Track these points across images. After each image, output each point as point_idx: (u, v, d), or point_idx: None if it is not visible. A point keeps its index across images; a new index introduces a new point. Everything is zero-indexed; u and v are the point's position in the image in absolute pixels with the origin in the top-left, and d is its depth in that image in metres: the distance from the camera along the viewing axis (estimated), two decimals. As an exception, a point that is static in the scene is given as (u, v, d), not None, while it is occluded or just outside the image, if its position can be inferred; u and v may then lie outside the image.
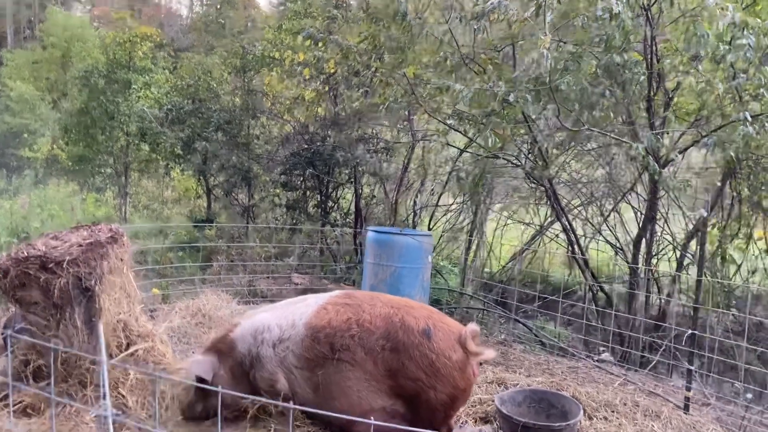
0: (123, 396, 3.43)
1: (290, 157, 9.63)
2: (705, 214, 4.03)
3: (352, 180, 9.07)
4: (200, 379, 3.25)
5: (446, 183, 8.71)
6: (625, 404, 4.36)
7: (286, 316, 3.29)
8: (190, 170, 10.24)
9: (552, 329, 7.72)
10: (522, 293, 8.59)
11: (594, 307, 7.02)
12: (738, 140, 4.10)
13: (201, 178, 10.05)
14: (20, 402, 3.18)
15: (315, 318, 3.21)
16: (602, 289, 6.80)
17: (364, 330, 3.11)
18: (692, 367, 4.11)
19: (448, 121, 7.07)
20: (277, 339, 3.23)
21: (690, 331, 4.05)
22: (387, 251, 5.88)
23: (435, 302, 7.82)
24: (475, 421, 4.02)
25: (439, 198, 9.15)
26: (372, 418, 3.14)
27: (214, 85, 9.69)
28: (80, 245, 3.29)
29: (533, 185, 7.35)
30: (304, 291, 8.08)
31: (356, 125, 8.64)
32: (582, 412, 3.91)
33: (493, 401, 4.17)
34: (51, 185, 17.20)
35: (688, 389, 4.12)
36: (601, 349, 6.68)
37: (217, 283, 6.65)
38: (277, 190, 9.83)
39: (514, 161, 6.74)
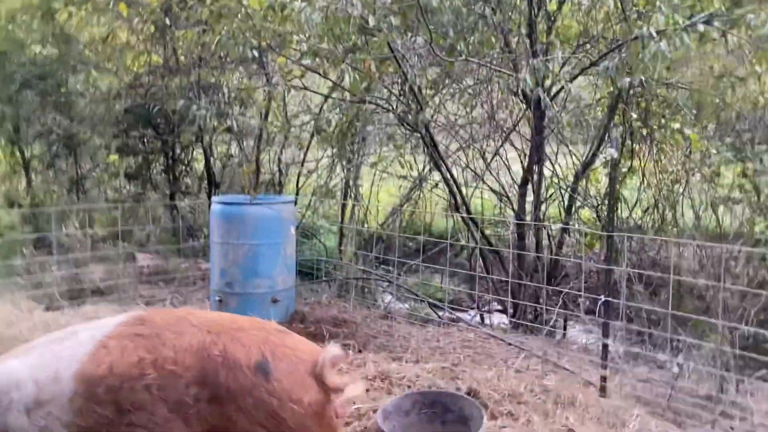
0: None
1: (124, 115, 8.12)
2: (615, 155, 3.28)
3: (200, 139, 7.75)
4: None
5: (312, 135, 7.62)
6: (532, 391, 3.62)
7: (46, 365, 2.13)
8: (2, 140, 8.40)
9: (437, 284, 7.04)
10: (405, 248, 7.83)
11: (480, 262, 6.35)
12: (646, 60, 3.35)
13: (15, 149, 8.28)
14: None
15: (89, 363, 2.08)
16: (488, 242, 6.10)
17: (166, 374, 2.02)
18: (608, 341, 3.42)
19: (304, 61, 5.95)
20: (32, 401, 2.08)
21: (603, 298, 3.33)
22: (237, 226, 4.76)
23: (308, 274, 6.87)
24: (353, 447, 3.11)
25: (305, 153, 8.05)
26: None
27: (18, 33, 7.86)
28: None
29: (408, 132, 6.44)
30: (153, 274, 6.81)
31: (197, 72, 7.28)
32: (485, 416, 3.11)
33: (375, 410, 3.29)
34: None
35: (604, 367, 3.44)
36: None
37: (26, 285, 5.24)
38: (113, 157, 8.28)
39: (384, 105, 5.77)
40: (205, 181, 8.41)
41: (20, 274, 5.35)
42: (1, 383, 2.12)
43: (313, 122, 6.22)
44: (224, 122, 7.77)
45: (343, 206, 7.91)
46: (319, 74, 5.93)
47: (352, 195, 8.03)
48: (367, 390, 3.75)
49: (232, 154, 8.67)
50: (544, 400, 3.52)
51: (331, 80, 5.93)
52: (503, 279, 5.53)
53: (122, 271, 6.59)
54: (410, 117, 5.48)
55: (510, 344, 4.69)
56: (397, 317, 5.52)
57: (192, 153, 8.81)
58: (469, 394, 3.55)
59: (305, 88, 6.09)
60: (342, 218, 7.94)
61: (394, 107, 5.66)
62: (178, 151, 8.49)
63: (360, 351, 4.49)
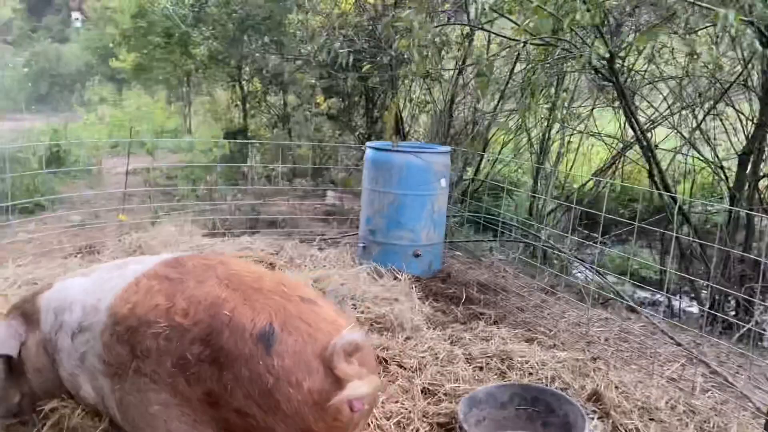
0: None
1: (332, 56, 8.33)
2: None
3: (392, 83, 7.65)
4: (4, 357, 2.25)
5: (505, 85, 7.07)
6: (674, 407, 2.95)
7: (96, 291, 2.15)
8: (223, 76, 9.23)
9: (644, 260, 6.21)
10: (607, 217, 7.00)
11: (688, 240, 5.40)
12: None
13: (235, 85, 9.03)
14: None
15: (120, 299, 2.04)
16: (687, 220, 5.14)
17: (174, 326, 1.90)
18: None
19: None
20: (77, 326, 2.12)
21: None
22: (384, 174, 4.58)
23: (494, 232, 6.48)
24: (431, 429, 2.80)
25: (499, 103, 7.53)
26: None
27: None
28: None
29: (604, 83, 5.61)
30: (332, 213, 7.00)
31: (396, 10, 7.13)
32: (589, 428, 2.59)
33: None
34: (135, 96, 16.99)
35: (775, 400, 2.64)
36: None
37: (204, 211, 5.68)
38: (319, 98, 8.59)
39: (573, 48, 5.04)
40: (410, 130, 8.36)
41: (204, 200, 5.81)
42: (60, 302, 2.20)
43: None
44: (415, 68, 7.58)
45: (539, 163, 7.31)
46: (502, 15, 5.39)
47: (548, 153, 7.39)
48: (481, 368, 3.39)
49: (428, 100, 8.48)
50: (686, 422, 2.83)
51: (514, 22, 5.35)
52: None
53: (303, 207, 6.89)
54: (600, 63, 4.72)
55: (678, 344, 3.91)
56: (559, 293, 4.94)
57: (389, 98, 8.80)
58: (591, 397, 3.01)
59: (485, 30, 5.58)
60: (535, 178, 7.37)
61: (582, 51, 4.90)
62: (378, 95, 8.53)
63: (495, 323, 4.09)
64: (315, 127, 8.87)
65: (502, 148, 7.69)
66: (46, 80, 22.69)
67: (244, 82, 8.90)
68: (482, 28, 5.89)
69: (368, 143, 4.89)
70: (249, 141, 8.05)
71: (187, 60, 9.83)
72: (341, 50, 5.81)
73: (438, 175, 4.57)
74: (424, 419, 2.85)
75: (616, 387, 3.10)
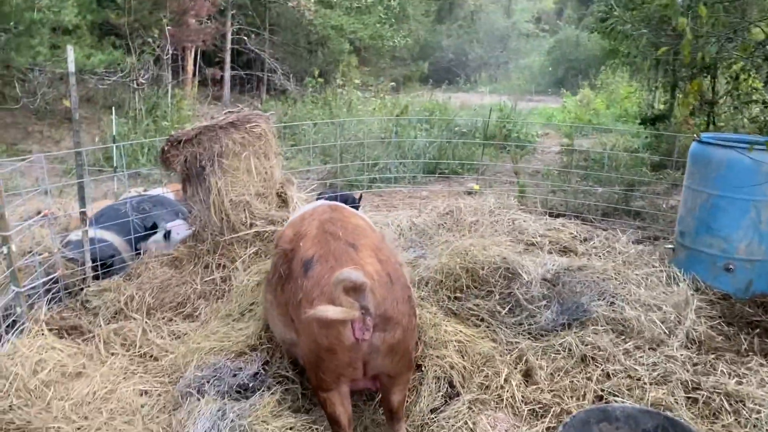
0: (236, 268, 3.82)
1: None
2: None
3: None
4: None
5: None
6: None
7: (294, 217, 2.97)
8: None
9: None
10: None
11: None
12: None
13: (667, 69, 8.44)
14: (168, 255, 3.96)
15: (285, 227, 2.82)
16: None
17: (280, 251, 2.62)
18: None
19: None
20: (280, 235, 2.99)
21: None
22: (701, 169, 3.99)
23: None
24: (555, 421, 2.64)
25: None
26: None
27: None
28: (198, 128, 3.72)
29: None
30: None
31: None
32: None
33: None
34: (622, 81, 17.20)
35: None
36: None
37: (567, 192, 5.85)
38: (757, 83, 7.44)
39: None
40: None
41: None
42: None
43: None
44: None
45: None
46: None
47: None
48: (695, 401, 2.87)
49: None
50: None
51: None
52: None
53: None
54: None
55: None
56: None
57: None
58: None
59: None
60: None
61: None
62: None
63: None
64: (750, 117, 7.70)
65: None
66: (564, 65, 24.32)
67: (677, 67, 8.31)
68: None
69: (704, 134, 4.25)
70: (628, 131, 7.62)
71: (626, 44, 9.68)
72: None
73: (770, 178, 3.73)
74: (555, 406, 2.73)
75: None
